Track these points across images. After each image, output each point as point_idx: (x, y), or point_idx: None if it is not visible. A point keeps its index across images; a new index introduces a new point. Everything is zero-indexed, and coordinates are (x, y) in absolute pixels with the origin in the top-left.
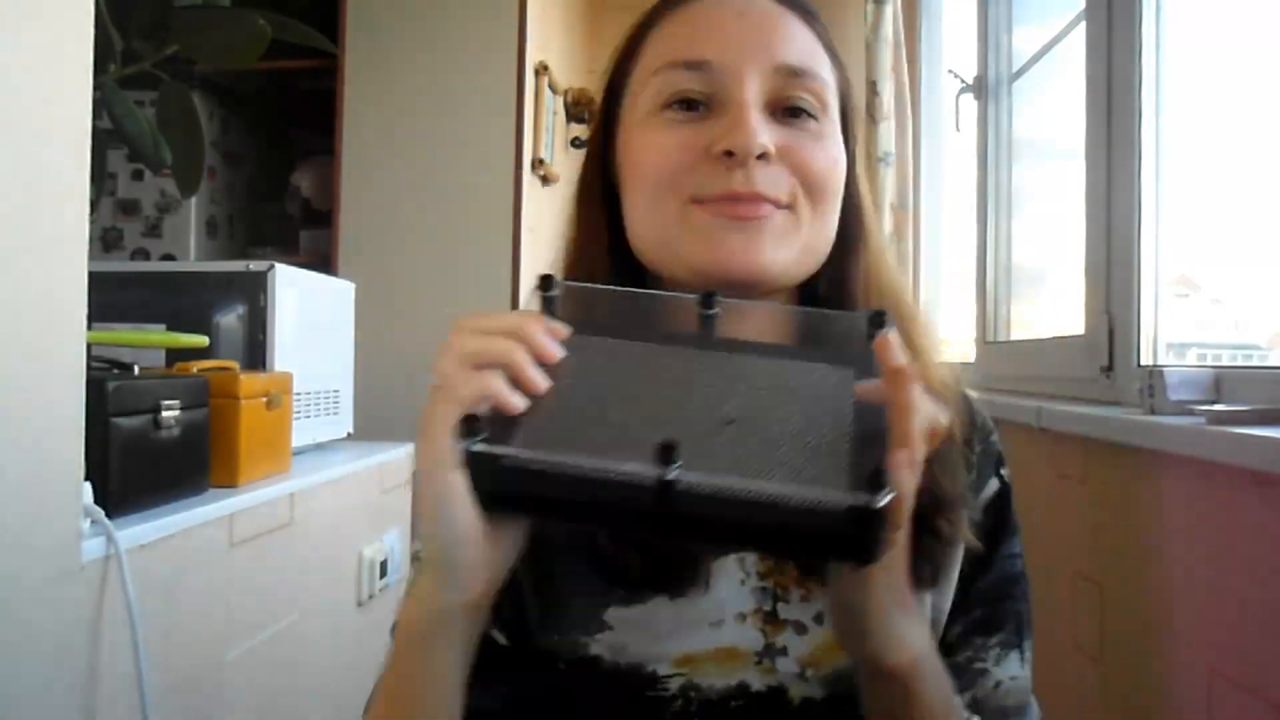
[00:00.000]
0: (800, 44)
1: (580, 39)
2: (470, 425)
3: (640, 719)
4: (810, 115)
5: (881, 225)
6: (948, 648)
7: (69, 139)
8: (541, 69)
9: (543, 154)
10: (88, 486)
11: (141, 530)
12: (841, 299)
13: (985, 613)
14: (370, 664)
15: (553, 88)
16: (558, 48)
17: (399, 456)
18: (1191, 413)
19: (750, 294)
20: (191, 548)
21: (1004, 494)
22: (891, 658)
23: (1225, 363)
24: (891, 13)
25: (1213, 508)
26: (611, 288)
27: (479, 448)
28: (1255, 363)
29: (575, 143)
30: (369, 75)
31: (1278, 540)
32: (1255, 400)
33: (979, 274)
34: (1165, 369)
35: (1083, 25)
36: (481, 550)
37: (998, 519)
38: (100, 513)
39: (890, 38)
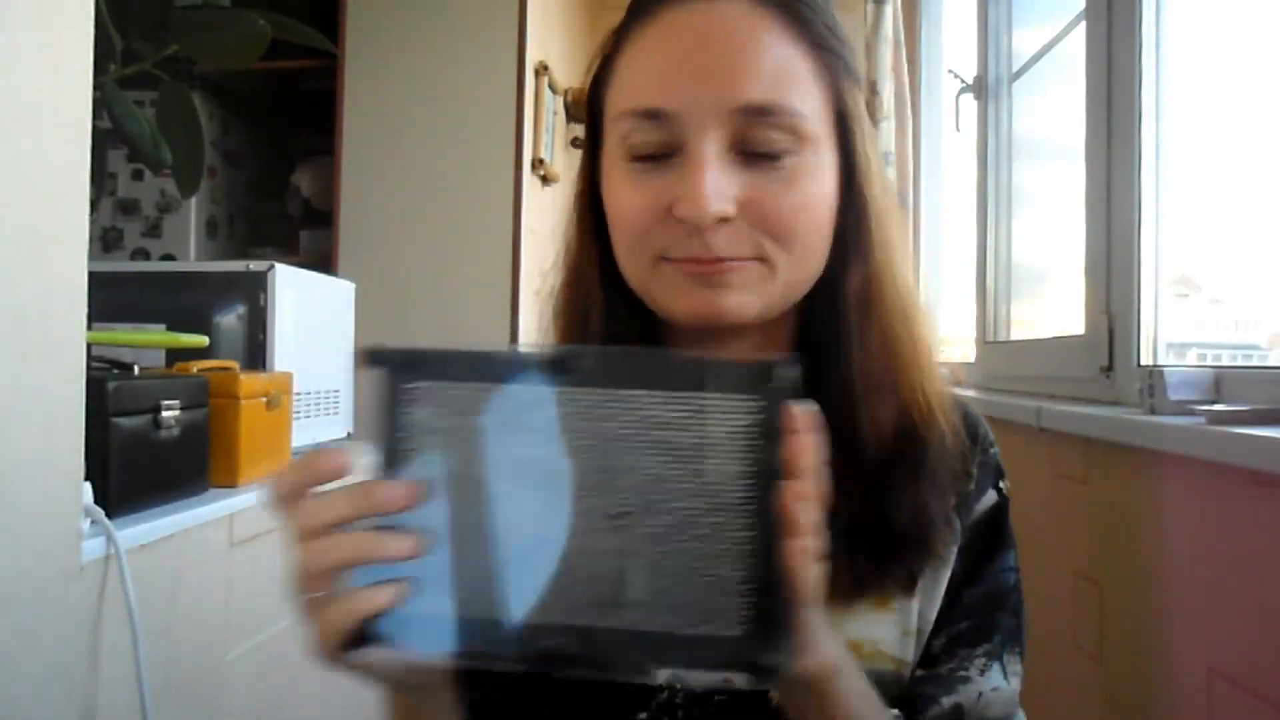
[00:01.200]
0: (769, 68)
1: (580, 39)
2: (355, 640)
3: (626, 708)
4: (779, 154)
5: (893, 219)
6: (932, 657)
7: (69, 139)
8: (541, 69)
9: (543, 154)
10: (88, 486)
11: (141, 530)
12: (836, 314)
13: (972, 624)
14: None
15: (553, 88)
16: (558, 48)
17: None
18: (1191, 413)
19: (733, 334)
20: (191, 548)
21: (1001, 507)
22: (804, 666)
23: (1225, 363)
24: (891, 13)
25: (1213, 508)
26: (454, 350)
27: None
28: (1255, 363)
29: (575, 143)
30: (369, 75)
31: (1278, 540)
32: (1255, 400)
33: (979, 274)
34: (1165, 369)
35: (1083, 25)
36: (418, 674)
37: (993, 532)
38: (100, 513)
39: (890, 38)
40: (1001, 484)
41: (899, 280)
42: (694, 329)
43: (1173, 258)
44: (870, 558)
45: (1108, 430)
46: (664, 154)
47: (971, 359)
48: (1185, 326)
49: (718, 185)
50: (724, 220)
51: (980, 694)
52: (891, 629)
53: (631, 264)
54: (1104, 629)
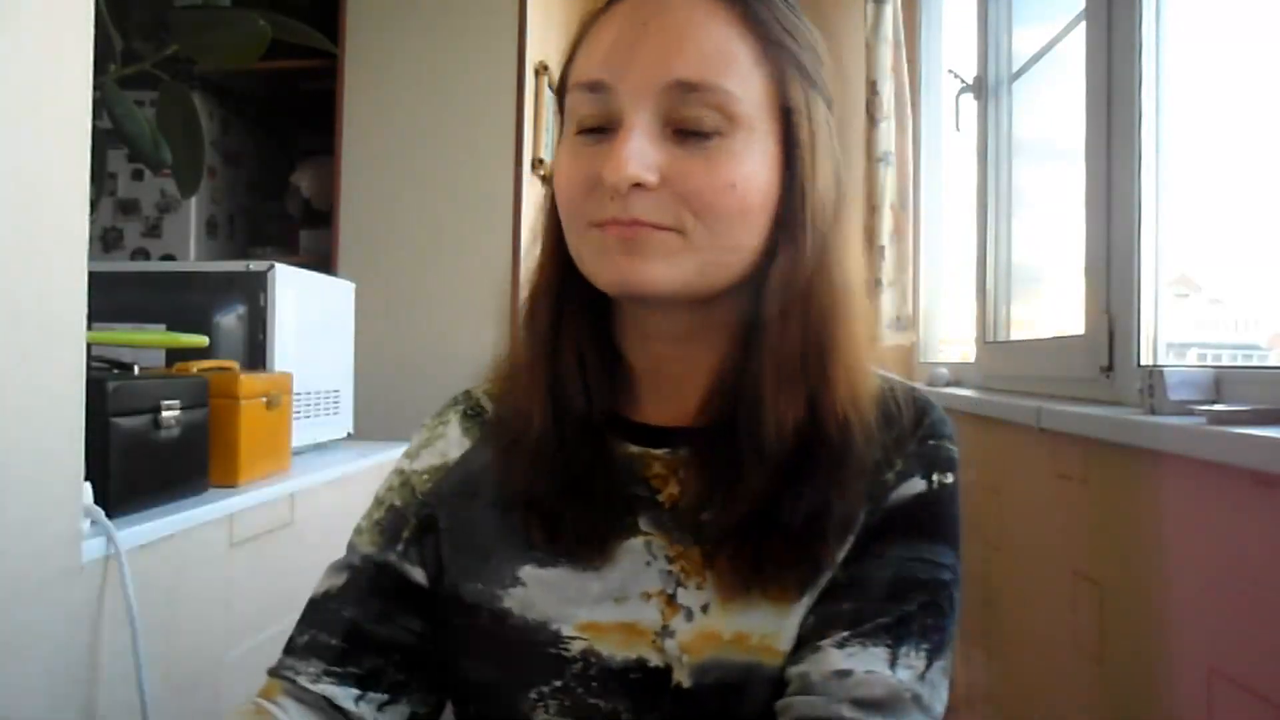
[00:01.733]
0: (705, 50)
1: None
2: None
3: (543, 673)
4: (709, 134)
5: (840, 214)
6: (804, 626)
7: (69, 139)
8: (541, 69)
9: (543, 154)
10: (88, 486)
11: (141, 530)
12: (760, 301)
13: (855, 607)
14: None
15: (552, 88)
16: (558, 48)
17: (399, 456)
18: (1191, 413)
19: (659, 304)
20: (191, 548)
21: (927, 497)
22: None
23: (1225, 363)
24: (891, 13)
25: (1213, 508)
26: None
27: None
28: (1255, 363)
29: None
30: (369, 75)
31: (1278, 540)
32: (1255, 400)
33: (979, 274)
34: (1165, 369)
35: (1083, 25)
36: None
37: (908, 521)
38: (100, 513)
39: (890, 38)
40: (936, 475)
41: (835, 275)
42: (626, 302)
43: (1173, 258)
44: (767, 556)
45: (1108, 430)
46: (604, 127)
47: (971, 359)
48: (1185, 326)
49: (640, 152)
50: (643, 187)
51: (847, 671)
52: (784, 623)
53: (570, 234)
54: (1104, 629)
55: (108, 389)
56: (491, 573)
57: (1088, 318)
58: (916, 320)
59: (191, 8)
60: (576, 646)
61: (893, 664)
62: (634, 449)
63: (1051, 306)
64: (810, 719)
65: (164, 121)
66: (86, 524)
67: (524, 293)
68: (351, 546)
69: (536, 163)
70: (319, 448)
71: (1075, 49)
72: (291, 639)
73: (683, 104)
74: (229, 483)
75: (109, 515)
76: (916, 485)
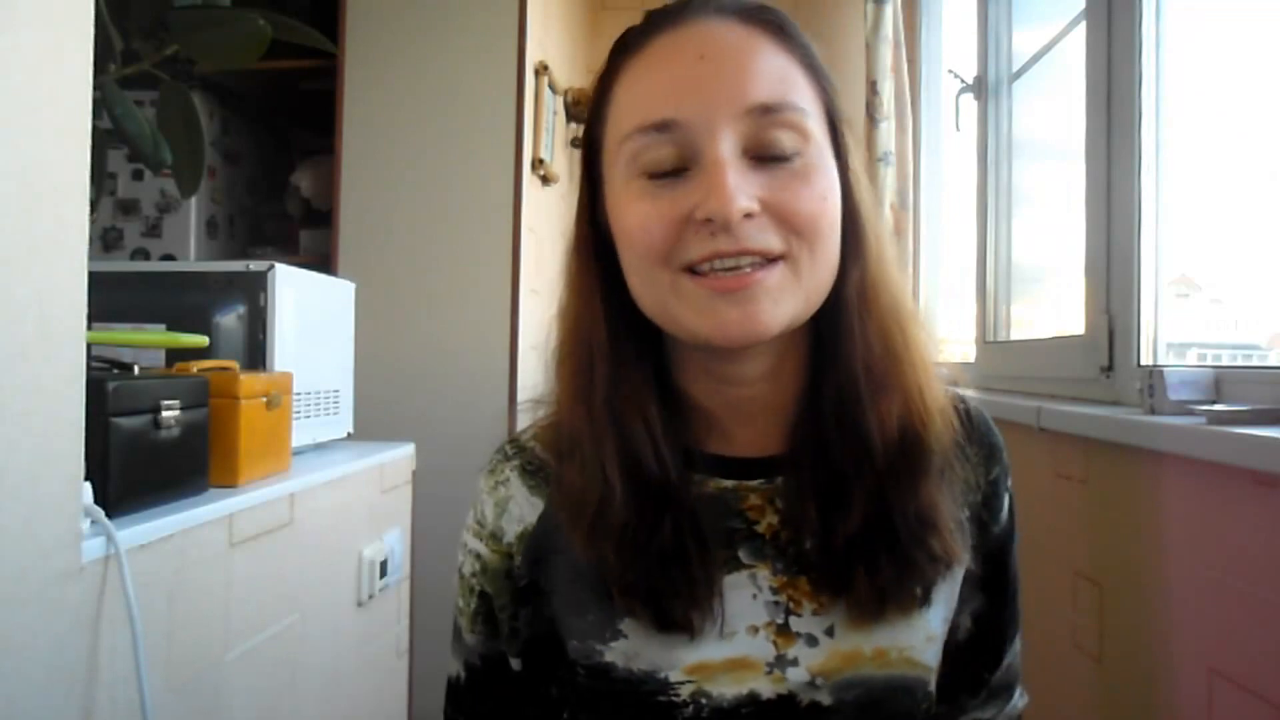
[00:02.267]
0: (770, 72)
1: (580, 39)
2: None
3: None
4: (790, 155)
5: (882, 226)
6: (983, 651)
7: (69, 139)
8: (541, 69)
9: (543, 154)
10: (88, 486)
11: (141, 530)
12: (839, 314)
13: (1000, 607)
14: (370, 664)
15: (553, 88)
16: (557, 48)
17: (399, 456)
18: (1191, 413)
19: (749, 350)
20: (191, 548)
21: (1013, 505)
22: None
23: (1225, 363)
24: (891, 13)
25: (1213, 508)
26: None
27: None
28: (1255, 363)
29: (575, 143)
30: (369, 75)
31: (1278, 540)
32: (1255, 400)
33: (979, 274)
34: (1165, 369)
35: (1083, 25)
36: None
37: (1010, 530)
38: (100, 513)
39: (890, 38)
40: (1009, 484)
41: (892, 284)
42: (709, 350)
43: (1173, 258)
44: (890, 568)
45: (1108, 430)
46: (677, 169)
47: (971, 359)
48: (1185, 326)
49: (740, 182)
50: (749, 216)
51: (1010, 664)
52: (916, 635)
53: (649, 287)
54: (1104, 629)
55: (108, 389)
56: (590, 628)
57: (1088, 318)
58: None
59: (191, 8)
60: (686, 691)
61: (1019, 643)
62: (726, 483)
63: (1051, 306)
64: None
65: (164, 121)
66: (86, 524)
67: (561, 347)
68: (458, 633)
69: (536, 163)
70: (319, 448)
71: (1075, 49)
72: (447, 716)
73: (761, 128)
74: (229, 483)
75: (109, 515)
76: (1008, 499)
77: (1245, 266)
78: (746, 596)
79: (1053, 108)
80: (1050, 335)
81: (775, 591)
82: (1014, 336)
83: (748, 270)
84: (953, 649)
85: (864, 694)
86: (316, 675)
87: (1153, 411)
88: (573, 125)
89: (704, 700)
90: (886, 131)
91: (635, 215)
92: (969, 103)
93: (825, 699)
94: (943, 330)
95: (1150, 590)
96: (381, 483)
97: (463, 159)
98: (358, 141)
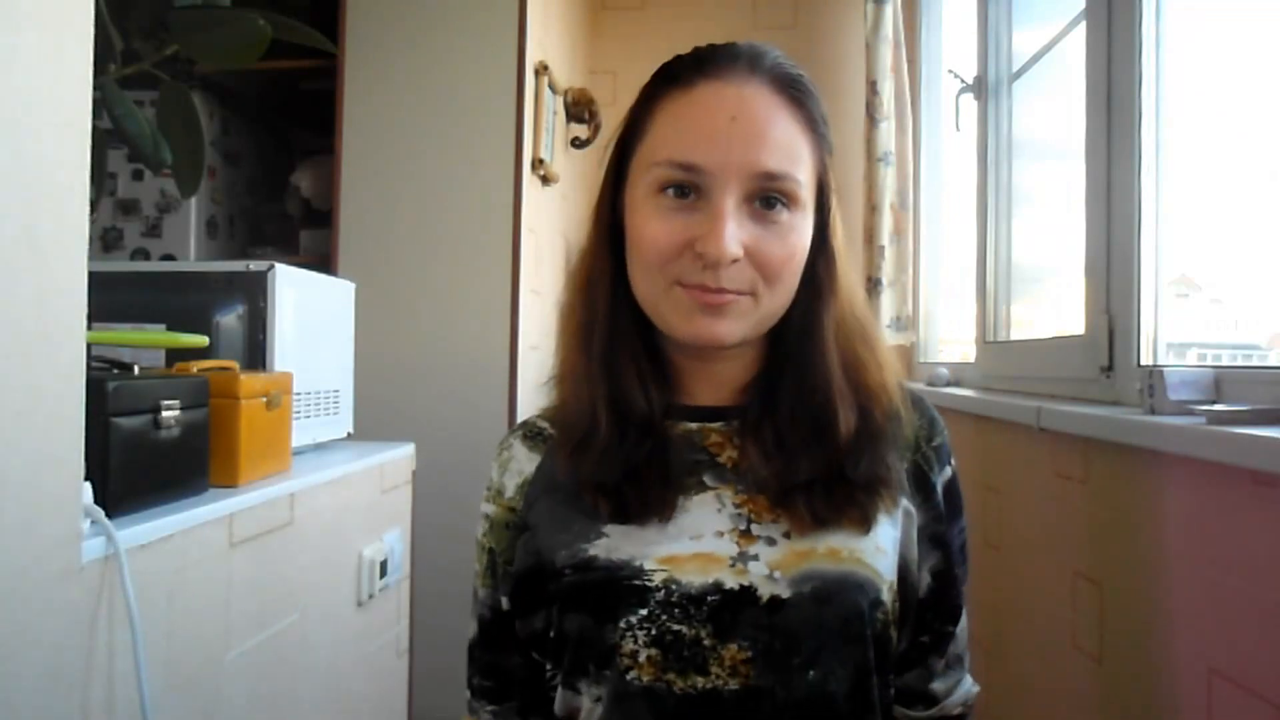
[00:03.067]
0: (783, 143)
1: (580, 39)
2: None
3: (629, 604)
4: (782, 207)
5: (850, 264)
6: (935, 607)
7: (69, 139)
8: (541, 69)
9: (543, 154)
10: (88, 486)
11: (141, 530)
12: (808, 338)
13: (951, 562)
14: (370, 664)
15: (553, 88)
16: (558, 48)
17: (399, 456)
18: (1191, 413)
19: (717, 353)
20: (191, 548)
21: (954, 480)
22: None
23: (1225, 363)
24: (891, 13)
25: (1213, 508)
26: None
27: None
28: (1255, 363)
29: (575, 143)
30: (369, 75)
31: (1278, 540)
32: (1255, 400)
33: (979, 274)
34: (1165, 369)
35: (1083, 25)
36: None
37: (950, 501)
38: (100, 513)
39: (890, 38)
40: (951, 461)
41: (857, 311)
42: (687, 345)
43: (1173, 258)
44: (829, 505)
45: (1108, 430)
46: (691, 192)
47: (971, 359)
48: (1185, 326)
49: (734, 233)
50: (734, 260)
51: (957, 635)
52: (866, 543)
53: (647, 285)
54: (1104, 629)
55: (108, 389)
56: (575, 535)
57: (1088, 318)
58: (916, 320)
59: (191, 8)
60: (658, 577)
61: (965, 615)
62: (692, 425)
63: (1052, 306)
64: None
65: (164, 121)
66: (86, 524)
67: (568, 306)
68: (475, 592)
69: (536, 163)
70: (319, 448)
71: (1075, 49)
72: (470, 681)
73: (763, 188)
74: (229, 483)
75: (109, 515)
76: (948, 472)
77: (1245, 266)
78: (711, 510)
79: (1053, 108)
80: (1050, 335)
81: (737, 506)
82: (1014, 336)
83: (723, 299)
84: (917, 607)
85: (819, 586)
86: (316, 675)
87: (1153, 411)
88: (573, 125)
89: (674, 586)
90: (886, 131)
91: (649, 230)
92: (969, 103)
93: (783, 592)
94: (943, 330)
95: (1150, 590)
96: (381, 483)
97: (463, 159)
98: (358, 141)
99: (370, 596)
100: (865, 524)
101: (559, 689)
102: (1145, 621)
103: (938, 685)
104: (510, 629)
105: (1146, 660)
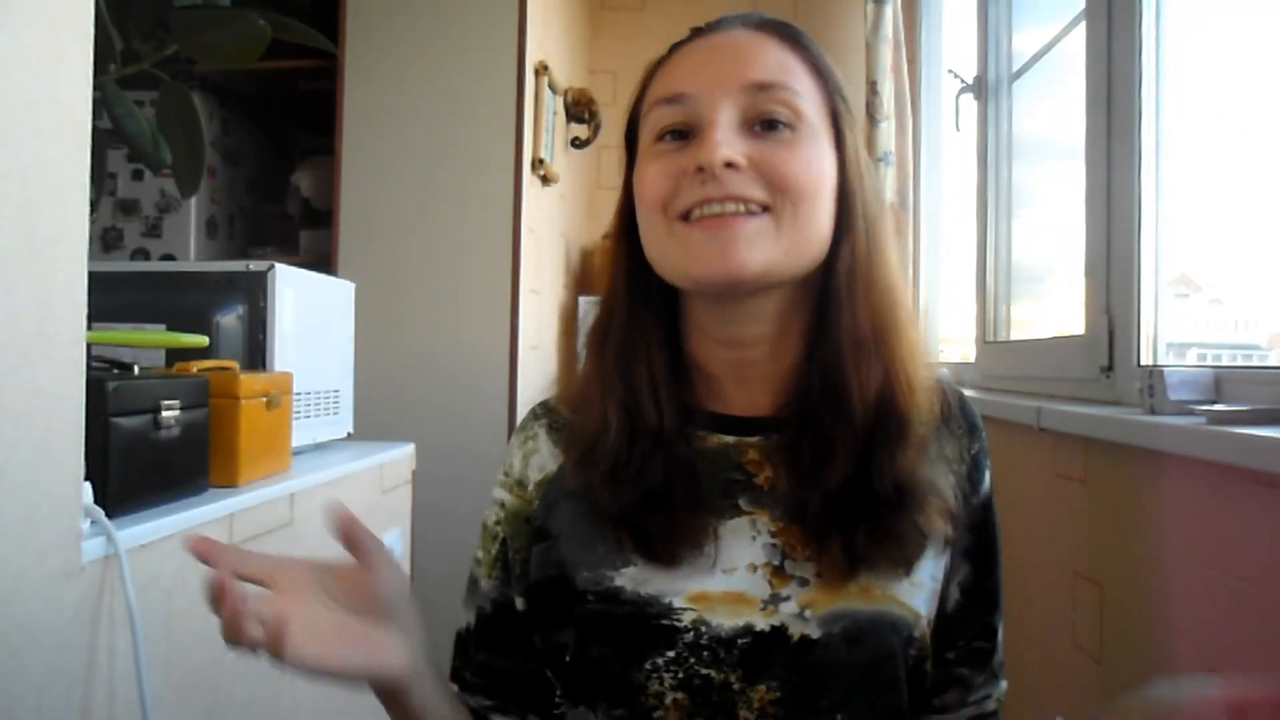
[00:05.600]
0: (769, 61)
1: (580, 39)
2: None
3: (656, 645)
4: (785, 125)
5: (881, 211)
6: (974, 622)
7: (69, 139)
8: (541, 69)
9: (543, 154)
10: (88, 486)
11: (141, 530)
12: (830, 291)
13: (984, 575)
14: None
15: (553, 88)
16: (558, 48)
17: (399, 456)
18: (1191, 413)
19: (740, 291)
20: None
21: (992, 489)
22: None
23: (1225, 363)
24: (891, 13)
25: (1213, 508)
26: None
27: None
28: (1255, 363)
29: (575, 143)
30: (369, 75)
31: (1278, 540)
32: (1255, 400)
33: (979, 274)
34: (1165, 369)
35: (1083, 25)
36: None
37: (989, 510)
38: (100, 513)
39: (890, 38)
40: (989, 473)
41: (886, 267)
42: (714, 300)
43: (1173, 258)
44: (865, 535)
45: (1108, 430)
46: (684, 131)
47: (971, 359)
48: (1185, 326)
49: (727, 138)
50: (734, 167)
51: (997, 648)
52: (900, 579)
53: (651, 234)
54: (1104, 629)
55: (108, 389)
56: (600, 559)
57: (1088, 318)
58: (917, 320)
59: (191, 8)
60: (687, 617)
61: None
62: (728, 439)
63: (1052, 306)
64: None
65: (164, 121)
66: (86, 524)
67: (592, 308)
68: (474, 584)
69: (536, 163)
70: (319, 448)
71: (1075, 49)
72: (456, 672)
73: (758, 103)
74: (229, 483)
75: (109, 515)
76: (988, 479)
77: (1245, 266)
78: (746, 539)
79: (1053, 108)
80: (1050, 335)
81: (773, 535)
82: (1014, 336)
83: (731, 215)
84: (945, 623)
85: (850, 626)
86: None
87: (1153, 411)
88: (573, 125)
89: (703, 628)
90: (886, 131)
91: (647, 172)
92: (969, 103)
93: (814, 632)
94: (943, 330)
95: (1150, 590)
96: (381, 483)
97: (463, 159)
98: (358, 141)
99: None
100: (907, 564)
101: (570, 710)
102: (1145, 621)
103: (975, 696)
104: (512, 629)
105: (1146, 660)
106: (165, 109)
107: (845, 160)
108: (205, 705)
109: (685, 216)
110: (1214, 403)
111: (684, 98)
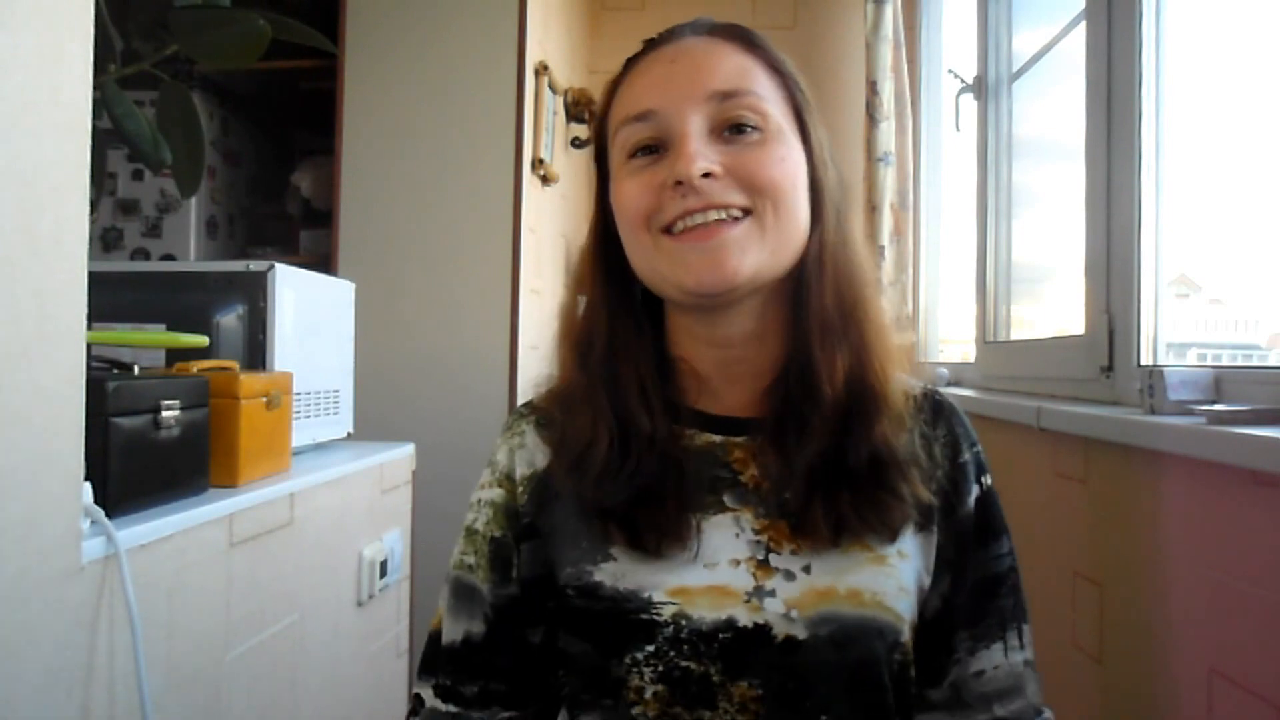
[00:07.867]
0: (729, 68)
1: (580, 39)
2: None
3: (636, 639)
4: (752, 128)
5: (847, 201)
6: (940, 635)
7: (69, 139)
8: (541, 69)
9: (543, 154)
10: (88, 486)
11: (141, 530)
12: (801, 283)
13: (970, 607)
14: (370, 664)
15: (553, 88)
16: (558, 48)
17: (399, 456)
18: (1191, 413)
19: (733, 297)
20: (191, 548)
21: (986, 498)
22: None
23: (1225, 363)
24: (891, 13)
25: (1213, 508)
26: None
27: None
28: (1255, 363)
29: (575, 143)
30: (369, 75)
31: (1278, 540)
32: (1255, 400)
33: (979, 274)
34: (1165, 369)
35: (1083, 25)
36: None
37: (982, 520)
38: (100, 513)
39: (890, 38)
40: (984, 478)
41: (850, 248)
42: (700, 307)
43: (1173, 258)
44: (847, 501)
45: (1108, 430)
46: (655, 146)
47: (971, 359)
48: (1185, 326)
49: (700, 149)
50: (711, 176)
51: (980, 672)
52: (889, 583)
53: (636, 249)
54: (1104, 629)
55: (108, 389)
56: (583, 554)
57: (1088, 318)
58: (916, 320)
59: (191, 8)
60: (667, 611)
61: (1006, 652)
62: (715, 438)
63: (1052, 306)
64: None
65: (164, 121)
66: (86, 524)
67: (567, 318)
68: (470, 587)
69: (536, 163)
70: (319, 448)
71: (1075, 49)
72: (457, 691)
73: (723, 110)
74: (229, 483)
75: (109, 515)
76: (977, 490)
77: (1245, 266)
78: (730, 535)
79: (1052, 108)
80: (1050, 335)
81: (757, 532)
82: (1014, 336)
83: (715, 224)
84: (922, 627)
85: (837, 630)
86: (316, 675)
87: (1153, 411)
88: (573, 125)
89: (684, 622)
90: (886, 131)
91: (625, 189)
92: (969, 103)
93: (800, 633)
94: (943, 330)
95: (1150, 590)
96: (381, 483)
97: (463, 159)
98: (358, 141)
99: (370, 597)
100: (891, 532)
101: (563, 710)
102: (1145, 621)
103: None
104: (519, 631)
105: (1146, 660)
106: (165, 109)
107: (813, 152)
108: (205, 705)
109: (668, 230)
110: (1214, 403)
111: (651, 114)
